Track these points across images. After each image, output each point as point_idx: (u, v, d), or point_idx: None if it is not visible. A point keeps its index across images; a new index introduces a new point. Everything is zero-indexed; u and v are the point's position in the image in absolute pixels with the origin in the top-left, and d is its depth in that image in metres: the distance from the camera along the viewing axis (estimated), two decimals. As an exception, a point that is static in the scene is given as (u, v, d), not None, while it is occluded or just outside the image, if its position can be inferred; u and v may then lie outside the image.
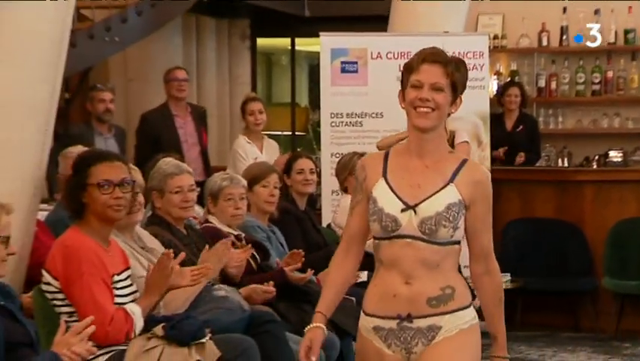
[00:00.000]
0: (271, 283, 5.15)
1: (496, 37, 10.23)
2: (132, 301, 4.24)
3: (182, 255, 4.42)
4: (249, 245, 5.25)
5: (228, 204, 5.50)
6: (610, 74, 10.16)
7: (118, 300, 4.16)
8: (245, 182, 5.67)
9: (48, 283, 4.15)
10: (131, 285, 4.29)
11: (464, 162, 3.35)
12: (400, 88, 3.34)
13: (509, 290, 7.80)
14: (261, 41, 12.14)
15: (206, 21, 11.28)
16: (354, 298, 4.96)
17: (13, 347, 3.60)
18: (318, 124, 9.08)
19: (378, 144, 7.18)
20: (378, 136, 7.46)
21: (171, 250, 4.35)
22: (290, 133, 11.99)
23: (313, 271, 5.37)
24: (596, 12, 10.04)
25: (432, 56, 3.29)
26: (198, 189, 5.40)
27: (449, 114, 3.32)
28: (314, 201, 7.54)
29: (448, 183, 3.29)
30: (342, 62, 7.94)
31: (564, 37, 10.20)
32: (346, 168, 6.74)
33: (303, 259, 5.41)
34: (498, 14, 10.42)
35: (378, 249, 3.35)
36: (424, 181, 3.29)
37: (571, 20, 10.13)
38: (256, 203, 5.86)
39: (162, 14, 9.12)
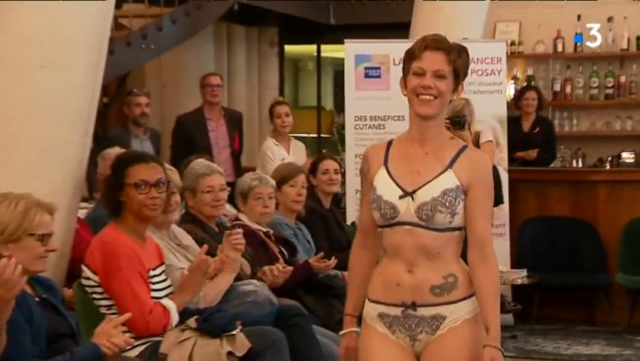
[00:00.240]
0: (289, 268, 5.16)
1: (513, 43, 10.20)
2: (167, 295, 4.26)
3: (205, 247, 4.44)
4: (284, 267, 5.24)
5: (258, 203, 5.50)
6: (623, 78, 10.11)
7: (153, 294, 4.17)
8: (273, 182, 5.67)
9: (88, 278, 4.17)
10: (165, 280, 4.30)
11: (464, 148, 3.21)
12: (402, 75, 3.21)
13: (526, 286, 7.80)
14: (289, 48, 12.16)
15: (236, 29, 11.30)
16: None
17: (55, 338, 3.63)
18: (343, 127, 9.08)
19: None
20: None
21: (209, 258, 4.36)
22: (316, 135, 11.99)
23: (337, 260, 5.34)
24: (610, 19, 10.01)
25: (434, 42, 3.15)
26: (229, 188, 5.42)
27: (450, 101, 3.19)
28: (338, 200, 7.52)
29: (446, 169, 3.15)
30: (366, 68, 7.93)
31: (579, 43, 10.16)
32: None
33: (334, 262, 5.39)
34: (515, 22, 10.39)
35: (381, 237, 3.23)
36: (424, 168, 3.16)
37: (586, 27, 10.09)
38: (284, 202, 5.87)
39: (195, 23, 9.15)
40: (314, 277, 5.31)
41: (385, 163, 3.20)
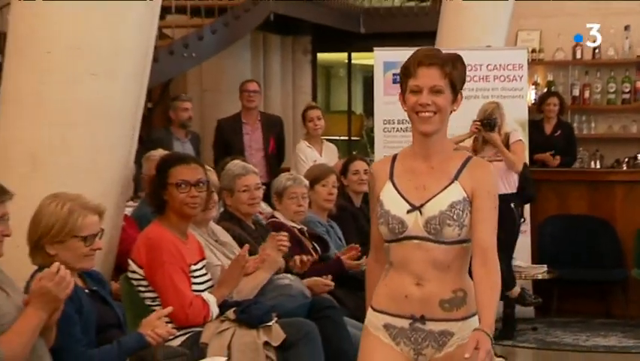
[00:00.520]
0: (329, 276, 5.16)
1: (534, 51, 10.15)
2: (207, 288, 4.28)
3: (247, 246, 4.46)
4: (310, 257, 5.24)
5: (292, 202, 5.52)
6: (639, 84, 10.03)
7: (194, 287, 4.19)
8: (307, 182, 5.69)
9: (133, 272, 4.20)
10: (205, 274, 4.32)
11: (468, 158, 3.04)
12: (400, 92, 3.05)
13: (546, 280, 7.79)
14: (321, 56, 12.16)
15: (272, 38, 11.32)
16: None
17: (103, 328, 3.64)
18: (372, 130, 9.07)
19: None
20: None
21: (247, 254, 4.37)
22: (346, 138, 11.98)
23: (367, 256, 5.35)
24: (626, 28, 9.94)
25: (427, 58, 2.97)
26: (264, 187, 5.44)
27: (451, 112, 3.02)
28: (368, 199, 7.52)
29: (452, 182, 2.98)
30: (394, 74, 7.89)
31: (597, 51, 10.11)
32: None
33: (360, 253, 5.41)
34: (536, 30, 10.34)
35: (388, 251, 3.05)
36: (430, 182, 2.99)
37: (603, 36, 10.03)
38: (316, 201, 5.88)
39: (234, 32, 9.18)
40: (345, 273, 5.32)
41: (391, 178, 3.04)
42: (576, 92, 10.17)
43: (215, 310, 4.20)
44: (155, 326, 3.66)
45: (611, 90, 10.10)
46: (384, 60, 7.99)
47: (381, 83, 7.99)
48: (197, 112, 9.20)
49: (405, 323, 3.00)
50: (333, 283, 5.13)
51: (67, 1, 4.12)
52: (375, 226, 3.11)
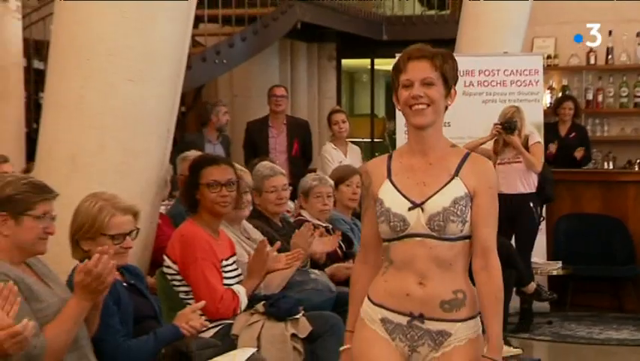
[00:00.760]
0: (351, 261, 5.16)
1: (549, 57, 10.12)
2: (237, 283, 4.30)
3: (278, 244, 4.46)
4: (339, 232, 5.27)
5: (317, 201, 5.52)
6: (651, 88, 10.01)
7: (226, 282, 4.20)
8: (332, 182, 5.69)
9: (168, 267, 4.22)
10: (236, 269, 4.33)
11: (467, 154, 2.87)
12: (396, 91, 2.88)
13: (561, 276, 7.77)
14: (345, 62, 12.17)
15: (298, 45, 11.34)
16: None
17: (140, 320, 3.65)
18: (394, 132, 9.05)
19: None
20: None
21: (266, 239, 4.39)
22: (369, 140, 11.98)
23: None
24: (638, 34, 9.88)
25: (417, 52, 2.82)
26: (291, 187, 5.45)
27: (446, 107, 2.85)
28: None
29: (453, 177, 2.81)
30: (415, 79, 7.89)
31: (610, 56, 10.07)
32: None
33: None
34: (551, 37, 10.30)
35: (387, 250, 2.86)
36: (429, 178, 2.82)
37: (616, 42, 10.00)
38: (341, 200, 5.88)
39: (263, 40, 9.20)
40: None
41: (389, 176, 2.86)
42: (590, 96, 10.16)
43: (244, 300, 4.20)
44: (190, 319, 3.68)
45: (624, 94, 10.07)
46: (405, 66, 7.97)
47: (403, 87, 7.97)
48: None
49: (403, 320, 2.84)
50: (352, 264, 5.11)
51: (106, 10, 4.14)
52: (367, 225, 2.95)
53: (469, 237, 2.83)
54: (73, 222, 3.56)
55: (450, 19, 10.56)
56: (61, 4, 4.29)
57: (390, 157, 2.92)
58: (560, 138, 8.71)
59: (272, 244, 4.46)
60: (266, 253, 4.30)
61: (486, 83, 7.93)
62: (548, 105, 9.54)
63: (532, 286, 6.98)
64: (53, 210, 3.20)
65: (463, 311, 2.82)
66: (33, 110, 7.13)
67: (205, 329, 3.90)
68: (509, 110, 7.05)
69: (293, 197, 5.87)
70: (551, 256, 7.93)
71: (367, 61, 12.21)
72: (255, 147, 7.86)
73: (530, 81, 7.89)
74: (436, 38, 10.00)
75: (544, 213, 7.60)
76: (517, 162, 6.99)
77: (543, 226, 7.73)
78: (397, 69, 2.84)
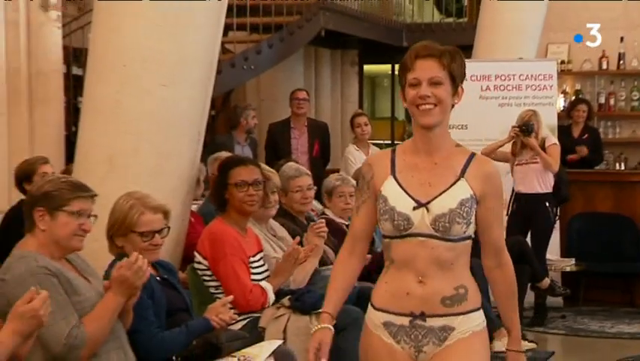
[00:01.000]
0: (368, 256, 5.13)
1: (563, 62, 10.06)
2: (264, 278, 4.30)
3: (297, 238, 4.46)
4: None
5: (340, 200, 5.52)
6: (661, 92, 9.95)
7: (253, 277, 4.21)
8: (354, 182, 5.67)
9: (199, 262, 4.24)
10: (263, 265, 4.34)
11: (472, 155, 2.72)
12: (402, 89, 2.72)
13: (574, 272, 7.72)
14: (367, 67, 12.15)
15: (322, 52, 11.35)
16: None
17: (173, 312, 3.67)
18: (411, 135, 9.00)
19: (482, 151, 7.20)
20: (463, 144, 7.42)
21: (298, 246, 4.39)
22: (390, 142, 11.97)
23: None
24: (649, 40, 9.84)
25: (424, 50, 2.64)
26: (315, 187, 5.45)
27: (452, 105, 2.67)
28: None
29: (459, 179, 2.66)
30: (434, 84, 7.87)
31: (621, 62, 10.01)
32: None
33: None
34: (564, 43, 10.24)
35: (388, 248, 2.71)
36: (434, 178, 2.66)
37: (628, 48, 9.95)
38: (363, 199, 5.86)
39: (288, 47, 9.21)
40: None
41: (393, 173, 2.69)
42: (602, 100, 10.12)
43: (272, 296, 4.22)
44: (220, 312, 3.69)
45: (635, 98, 10.01)
46: (424, 71, 7.94)
47: (422, 92, 7.94)
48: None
49: (405, 321, 2.68)
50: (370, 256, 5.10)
51: (141, 19, 4.17)
52: (360, 217, 2.79)
53: (470, 237, 2.69)
54: (108, 219, 3.58)
55: (467, 26, 10.53)
56: (99, 14, 4.32)
57: (393, 152, 2.75)
58: (574, 140, 8.66)
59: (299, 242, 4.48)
60: (297, 259, 4.31)
61: (502, 88, 7.90)
62: (562, 108, 9.49)
63: (546, 281, 6.95)
64: (92, 210, 3.21)
65: (465, 305, 2.69)
66: (72, 114, 7.18)
67: (234, 321, 3.91)
68: (527, 114, 7.06)
69: (317, 196, 5.87)
70: (565, 253, 7.89)
71: (388, 66, 12.19)
72: (277, 147, 7.85)
73: (545, 85, 7.86)
74: (454, 45, 10.03)
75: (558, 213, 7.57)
76: (534, 162, 6.99)
77: (557, 224, 7.69)
78: (405, 67, 2.66)
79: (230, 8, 4.81)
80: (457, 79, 2.66)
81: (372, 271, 5.15)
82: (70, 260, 3.25)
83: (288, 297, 4.23)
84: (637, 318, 7.42)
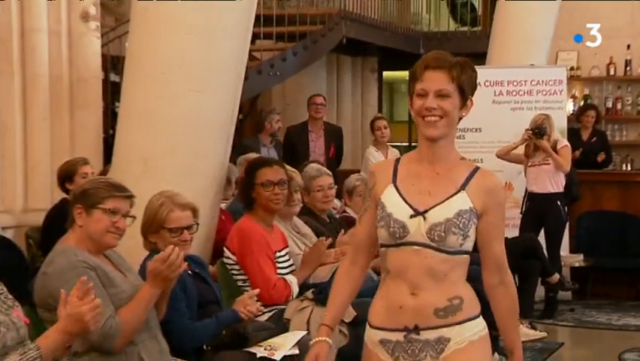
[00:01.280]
0: None
1: (572, 68, 10.01)
2: (289, 272, 4.31)
3: (330, 240, 4.46)
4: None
5: (360, 199, 5.50)
6: (665, 97, 9.87)
7: (279, 271, 4.21)
8: (374, 182, 5.66)
9: (228, 257, 4.24)
10: (289, 260, 4.33)
11: (476, 169, 2.54)
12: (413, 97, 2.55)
13: (582, 268, 7.70)
14: (386, 74, 12.12)
15: (344, 59, 11.33)
16: None
17: (203, 304, 3.68)
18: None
19: (497, 153, 7.19)
20: (477, 146, 7.47)
21: (323, 238, 4.38)
22: (407, 144, 11.93)
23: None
24: (654, 48, 9.77)
25: (434, 61, 2.48)
26: (336, 186, 5.44)
27: (460, 118, 2.51)
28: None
29: (459, 190, 2.48)
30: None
31: (628, 68, 9.95)
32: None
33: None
34: (574, 50, 10.19)
35: (384, 257, 2.52)
36: (435, 188, 2.49)
37: (634, 55, 9.89)
38: (383, 198, 5.84)
39: (312, 54, 9.21)
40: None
41: (394, 181, 2.53)
42: (609, 105, 10.11)
43: (295, 289, 4.21)
44: (247, 304, 3.70)
45: (641, 102, 9.96)
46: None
47: (437, 97, 7.91)
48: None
49: (400, 336, 2.51)
50: None
51: (174, 29, 4.18)
52: (363, 226, 2.61)
53: (467, 252, 2.49)
54: (142, 217, 3.60)
55: (481, 34, 10.48)
56: (136, 25, 4.34)
57: (397, 161, 2.60)
58: (583, 143, 8.62)
59: (318, 237, 4.47)
60: (322, 253, 4.30)
61: (514, 93, 7.87)
62: (571, 113, 9.45)
63: (556, 276, 6.94)
64: (128, 210, 3.21)
65: (460, 315, 2.49)
66: (110, 118, 7.22)
67: (260, 313, 3.92)
68: (539, 118, 7.09)
69: (338, 195, 5.86)
70: (574, 249, 7.85)
71: (406, 73, 11.81)
72: (295, 150, 7.85)
73: (555, 91, 7.82)
74: (469, 52, 9.95)
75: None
76: (546, 164, 6.99)
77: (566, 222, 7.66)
78: (414, 76, 2.52)
79: (257, 18, 4.81)
80: (466, 91, 2.49)
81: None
82: (107, 255, 3.27)
83: (311, 290, 4.22)
84: (643, 311, 7.37)
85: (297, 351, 3.69)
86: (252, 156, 5.59)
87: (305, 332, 3.89)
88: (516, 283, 7.15)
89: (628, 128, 10.18)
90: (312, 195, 5.13)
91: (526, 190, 7.15)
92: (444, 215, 2.45)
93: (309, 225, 4.89)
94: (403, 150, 11.21)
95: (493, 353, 5.66)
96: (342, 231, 4.81)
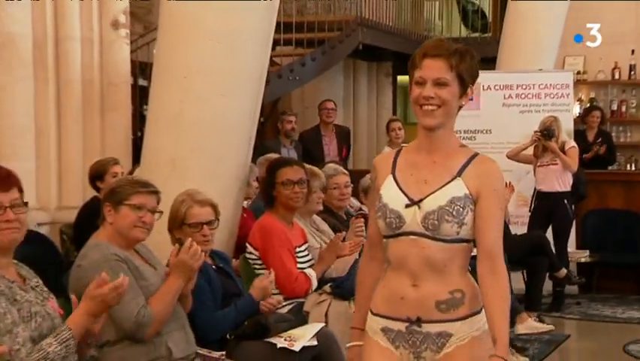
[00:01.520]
0: None
1: (579, 72, 9.96)
2: (309, 267, 4.31)
3: (343, 233, 4.46)
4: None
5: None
6: (668, 100, 9.80)
7: (299, 265, 4.22)
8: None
9: (250, 253, 4.25)
10: (308, 255, 4.34)
11: (474, 155, 2.37)
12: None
13: (588, 263, 7.64)
14: (401, 78, 12.07)
15: (360, 64, 11.32)
16: None
17: (227, 297, 3.69)
18: (441, 138, 8.95)
19: (507, 154, 7.17)
20: (487, 147, 7.45)
21: (339, 234, 4.38)
22: (421, 145, 11.89)
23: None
24: (658, 53, 9.69)
25: (433, 49, 2.32)
26: (352, 185, 5.43)
27: (460, 107, 2.36)
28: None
29: (454, 177, 2.32)
30: (460, 93, 7.80)
31: (632, 72, 9.89)
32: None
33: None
34: (580, 56, 10.14)
35: (386, 248, 2.41)
36: (431, 176, 2.34)
37: (638, 60, 9.83)
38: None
39: (330, 60, 9.21)
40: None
41: (393, 172, 2.39)
42: (614, 107, 10.07)
43: (315, 282, 4.22)
44: (265, 291, 3.71)
45: (645, 105, 9.90)
46: (452, 81, 7.90)
47: (450, 99, 7.90)
48: (299, 125, 9.28)
49: (401, 326, 2.37)
50: None
51: (199, 36, 4.19)
52: (372, 220, 2.46)
53: (466, 240, 2.33)
54: (168, 214, 3.62)
55: (491, 40, 10.43)
56: (164, 32, 4.36)
57: (398, 152, 2.46)
58: (588, 143, 8.57)
59: (336, 233, 4.47)
60: (338, 246, 4.30)
61: (523, 96, 7.84)
62: (577, 115, 9.40)
63: (563, 271, 6.93)
64: (154, 205, 3.23)
65: (462, 310, 2.34)
66: (138, 121, 7.25)
67: (281, 306, 3.93)
68: (548, 120, 7.09)
69: (355, 194, 5.85)
70: (580, 245, 7.81)
71: None
72: (310, 153, 7.85)
73: (562, 94, 7.79)
74: (480, 57, 9.95)
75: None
76: (554, 164, 6.99)
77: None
78: (413, 64, 2.35)
79: (278, 25, 4.81)
80: (465, 80, 2.33)
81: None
82: (137, 250, 3.30)
83: (329, 284, 4.22)
84: (646, 305, 7.32)
85: (315, 342, 3.69)
86: (273, 156, 5.59)
87: (323, 324, 3.89)
88: (524, 278, 7.18)
89: (632, 130, 10.12)
90: (329, 193, 5.12)
91: (534, 189, 7.15)
92: (437, 203, 2.30)
93: (327, 222, 4.89)
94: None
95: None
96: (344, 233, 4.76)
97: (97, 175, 5.37)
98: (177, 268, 3.18)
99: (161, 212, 3.28)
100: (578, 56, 10.12)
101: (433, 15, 11.80)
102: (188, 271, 3.20)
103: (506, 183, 6.87)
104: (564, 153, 6.97)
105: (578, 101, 9.86)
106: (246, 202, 5.19)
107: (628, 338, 6.08)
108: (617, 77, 10.02)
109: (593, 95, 10.08)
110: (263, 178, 4.66)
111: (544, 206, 7.04)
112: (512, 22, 8.56)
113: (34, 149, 5.94)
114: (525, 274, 6.94)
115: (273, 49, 7.87)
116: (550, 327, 6.14)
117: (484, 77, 7.80)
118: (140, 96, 7.44)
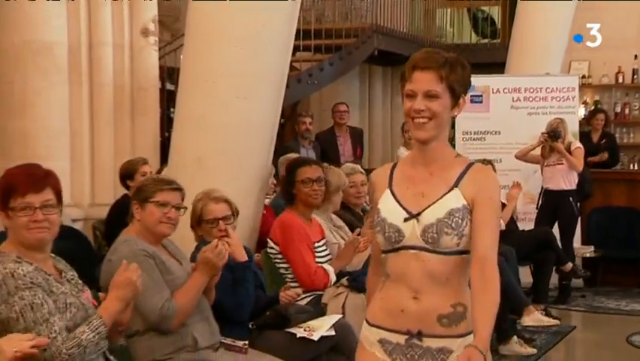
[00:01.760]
0: None
1: (584, 76, 9.90)
2: (327, 261, 4.30)
3: (358, 230, 4.44)
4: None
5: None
6: (670, 102, 9.71)
7: (318, 260, 4.20)
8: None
9: (271, 248, 4.25)
10: (326, 250, 4.33)
11: (470, 164, 2.23)
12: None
13: (593, 258, 7.62)
14: (414, 82, 12.04)
15: (375, 69, 11.29)
16: None
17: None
18: (453, 139, 8.93)
19: (516, 154, 7.15)
20: (497, 148, 7.42)
21: (357, 234, 4.36)
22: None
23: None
24: (660, 57, 9.59)
25: (423, 61, 2.19)
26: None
27: (453, 118, 2.23)
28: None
29: (452, 188, 2.18)
30: (471, 95, 7.74)
31: (635, 76, 9.82)
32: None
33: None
34: (585, 60, 10.07)
35: (384, 263, 2.24)
36: (428, 189, 2.20)
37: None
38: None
39: (347, 65, 9.20)
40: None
41: (390, 186, 2.25)
42: (618, 109, 10.03)
43: (333, 277, 4.21)
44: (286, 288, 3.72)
45: (647, 108, 9.82)
46: (463, 85, 7.86)
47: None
48: (316, 127, 9.27)
49: (401, 339, 2.21)
50: None
51: (224, 42, 4.19)
52: (374, 234, 2.30)
53: (467, 252, 2.17)
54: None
55: (500, 46, 10.37)
56: (190, 39, 4.37)
57: (394, 166, 2.31)
58: (593, 144, 8.52)
59: (353, 230, 4.45)
60: (357, 246, 4.28)
61: (530, 99, 7.79)
62: (583, 117, 9.34)
63: (569, 265, 6.88)
64: (179, 201, 3.23)
65: (464, 326, 2.18)
66: (166, 123, 7.27)
67: (300, 298, 3.93)
68: (555, 122, 7.08)
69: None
70: (585, 241, 7.78)
71: None
72: (326, 154, 7.83)
73: (568, 97, 7.75)
74: (489, 62, 9.89)
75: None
76: (560, 164, 6.95)
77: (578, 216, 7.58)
78: (403, 77, 2.23)
79: (297, 32, 4.81)
80: (457, 91, 2.19)
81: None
82: (164, 245, 3.30)
83: (346, 278, 4.21)
84: (649, 298, 7.26)
85: (333, 333, 3.69)
86: (293, 156, 5.58)
87: (340, 316, 3.88)
88: (532, 272, 7.12)
89: (635, 131, 10.06)
90: (346, 191, 5.11)
91: (541, 187, 7.12)
92: (435, 215, 2.17)
93: (343, 218, 4.87)
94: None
95: (511, 337, 5.61)
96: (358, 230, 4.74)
97: (127, 174, 5.39)
98: (203, 265, 3.19)
99: (186, 208, 3.29)
100: (583, 60, 10.06)
101: (445, 22, 11.75)
102: (212, 268, 3.21)
103: (514, 182, 6.84)
104: (570, 153, 6.96)
105: (583, 103, 9.79)
106: (266, 200, 5.19)
107: (631, 330, 6.04)
108: (620, 80, 9.96)
109: (597, 98, 10.02)
110: (283, 177, 4.65)
111: (551, 203, 7.01)
112: (521, 29, 8.53)
113: (68, 150, 5.97)
114: (532, 268, 6.90)
115: (293, 54, 7.85)
116: (556, 321, 6.09)
117: (494, 80, 7.79)
118: (167, 100, 7.46)
